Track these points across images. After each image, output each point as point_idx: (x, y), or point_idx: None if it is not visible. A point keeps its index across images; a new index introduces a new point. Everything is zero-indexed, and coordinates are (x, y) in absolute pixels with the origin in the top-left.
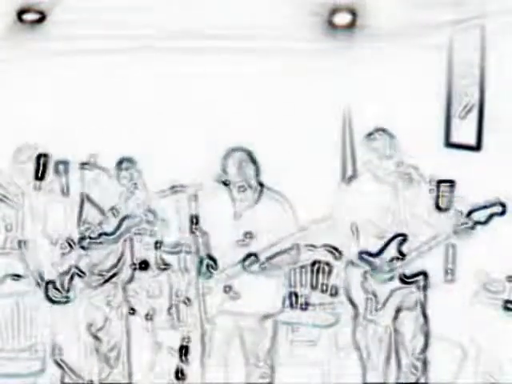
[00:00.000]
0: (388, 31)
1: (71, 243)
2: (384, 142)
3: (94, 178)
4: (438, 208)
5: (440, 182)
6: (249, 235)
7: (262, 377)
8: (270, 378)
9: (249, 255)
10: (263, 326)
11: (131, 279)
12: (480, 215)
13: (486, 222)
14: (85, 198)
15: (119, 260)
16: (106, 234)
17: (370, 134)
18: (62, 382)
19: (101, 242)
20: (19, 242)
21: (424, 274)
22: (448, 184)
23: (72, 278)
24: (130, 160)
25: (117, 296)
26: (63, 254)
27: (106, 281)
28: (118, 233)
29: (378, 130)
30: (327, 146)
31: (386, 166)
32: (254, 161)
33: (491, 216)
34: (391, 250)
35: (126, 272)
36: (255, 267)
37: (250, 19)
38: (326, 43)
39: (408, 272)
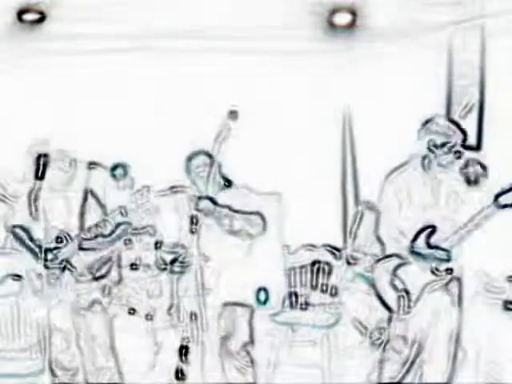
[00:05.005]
0: (388, 31)
1: (67, 237)
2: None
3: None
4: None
5: None
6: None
7: (239, 371)
8: (251, 375)
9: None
10: (233, 315)
11: (119, 281)
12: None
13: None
14: (88, 193)
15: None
16: (102, 235)
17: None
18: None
19: (96, 243)
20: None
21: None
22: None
23: (63, 270)
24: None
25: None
26: (57, 248)
27: (95, 279)
28: (114, 235)
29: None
30: (327, 146)
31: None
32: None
33: None
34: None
35: (113, 274)
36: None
37: (249, 19)
38: (326, 43)
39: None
